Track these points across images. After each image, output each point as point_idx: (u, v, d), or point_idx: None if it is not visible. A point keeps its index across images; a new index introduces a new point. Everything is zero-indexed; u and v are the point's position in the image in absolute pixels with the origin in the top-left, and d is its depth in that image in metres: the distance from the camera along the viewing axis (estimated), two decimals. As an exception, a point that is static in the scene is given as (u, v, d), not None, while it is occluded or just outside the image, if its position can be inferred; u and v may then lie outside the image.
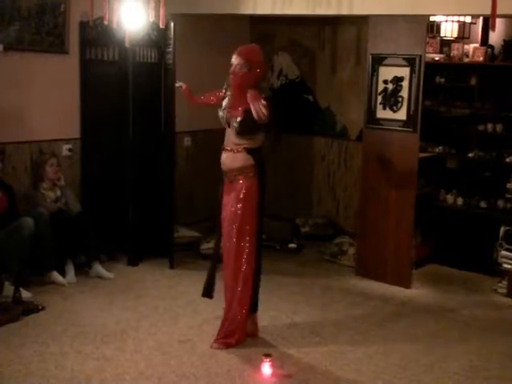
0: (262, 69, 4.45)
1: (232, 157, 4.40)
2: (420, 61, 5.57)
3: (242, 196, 4.39)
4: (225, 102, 4.48)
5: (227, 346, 4.47)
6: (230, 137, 4.43)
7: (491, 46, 7.35)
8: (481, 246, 6.15)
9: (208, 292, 4.69)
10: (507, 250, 5.76)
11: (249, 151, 4.38)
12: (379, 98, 5.85)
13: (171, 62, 5.98)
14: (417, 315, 5.28)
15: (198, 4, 6.24)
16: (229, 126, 4.43)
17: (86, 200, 6.05)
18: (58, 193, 5.75)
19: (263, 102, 4.18)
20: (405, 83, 5.68)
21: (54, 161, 5.70)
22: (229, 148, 4.43)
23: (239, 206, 4.38)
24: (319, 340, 4.72)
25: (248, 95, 4.23)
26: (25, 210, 5.50)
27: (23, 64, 5.63)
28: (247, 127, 4.30)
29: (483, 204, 6.61)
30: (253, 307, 4.58)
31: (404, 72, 5.67)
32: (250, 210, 4.41)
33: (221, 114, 4.49)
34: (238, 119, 4.31)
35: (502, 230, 5.86)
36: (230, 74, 4.41)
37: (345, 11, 5.38)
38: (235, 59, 4.38)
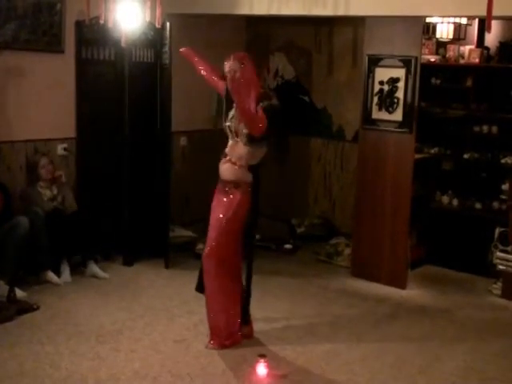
0: (253, 68, 4.39)
1: (232, 170, 4.39)
2: (416, 62, 5.58)
3: (232, 208, 4.38)
4: (232, 112, 4.42)
5: (222, 346, 4.47)
6: (236, 148, 4.39)
7: (487, 48, 7.37)
8: (476, 247, 6.16)
9: (202, 287, 4.61)
10: (502, 251, 5.78)
11: (250, 168, 4.39)
12: (375, 99, 5.85)
13: (167, 61, 5.97)
14: (412, 316, 5.29)
15: (194, 4, 6.24)
16: (237, 136, 4.38)
17: (81, 199, 6.02)
18: (55, 191, 5.73)
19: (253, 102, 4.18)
20: (400, 84, 5.69)
21: (45, 161, 5.66)
22: (233, 160, 4.40)
23: (227, 216, 4.38)
24: (315, 340, 4.72)
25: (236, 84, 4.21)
26: (21, 208, 5.49)
27: (19, 63, 5.62)
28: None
29: (478, 205, 6.63)
30: (243, 318, 4.57)
31: (400, 73, 5.68)
32: (236, 225, 4.41)
33: (228, 123, 4.44)
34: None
35: (497, 231, 5.88)
36: (228, 82, 4.32)
37: (341, 12, 5.38)
38: (229, 64, 4.31)
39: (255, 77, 4.40)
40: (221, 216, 4.41)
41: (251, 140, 4.31)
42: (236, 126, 4.38)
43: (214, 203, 4.51)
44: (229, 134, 4.45)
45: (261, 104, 4.29)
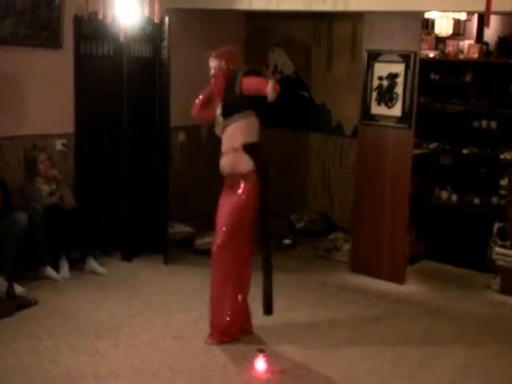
0: (236, 63, 4.51)
1: (231, 159, 4.38)
2: (415, 57, 5.57)
3: (242, 200, 4.37)
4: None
5: (221, 342, 4.47)
6: (226, 135, 4.39)
7: (486, 43, 7.36)
8: (475, 243, 6.16)
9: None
10: (501, 246, 5.78)
11: (246, 149, 4.36)
12: (374, 94, 5.84)
13: (166, 57, 5.97)
14: (411, 312, 5.29)
15: (193, -1, 6.23)
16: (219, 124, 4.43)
17: (80, 195, 6.02)
18: (54, 186, 5.72)
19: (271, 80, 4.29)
20: (400, 79, 5.68)
21: (44, 157, 5.67)
22: (227, 150, 4.39)
23: (239, 205, 4.37)
24: (314, 336, 4.72)
25: (249, 82, 4.33)
26: (20, 204, 5.48)
27: (17, 58, 5.60)
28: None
29: (477, 200, 6.63)
30: (267, 308, 4.55)
31: (399, 68, 5.67)
32: (246, 218, 4.41)
33: (216, 120, 4.48)
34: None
35: (496, 226, 5.89)
36: (211, 79, 4.44)
37: (340, 7, 5.38)
38: (212, 62, 4.43)
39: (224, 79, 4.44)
40: (231, 209, 4.39)
41: (227, 113, 4.36)
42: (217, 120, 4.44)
43: (222, 200, 4.48)
44: (217, 131, 4.47)
45: (241, 72, 4.43)
